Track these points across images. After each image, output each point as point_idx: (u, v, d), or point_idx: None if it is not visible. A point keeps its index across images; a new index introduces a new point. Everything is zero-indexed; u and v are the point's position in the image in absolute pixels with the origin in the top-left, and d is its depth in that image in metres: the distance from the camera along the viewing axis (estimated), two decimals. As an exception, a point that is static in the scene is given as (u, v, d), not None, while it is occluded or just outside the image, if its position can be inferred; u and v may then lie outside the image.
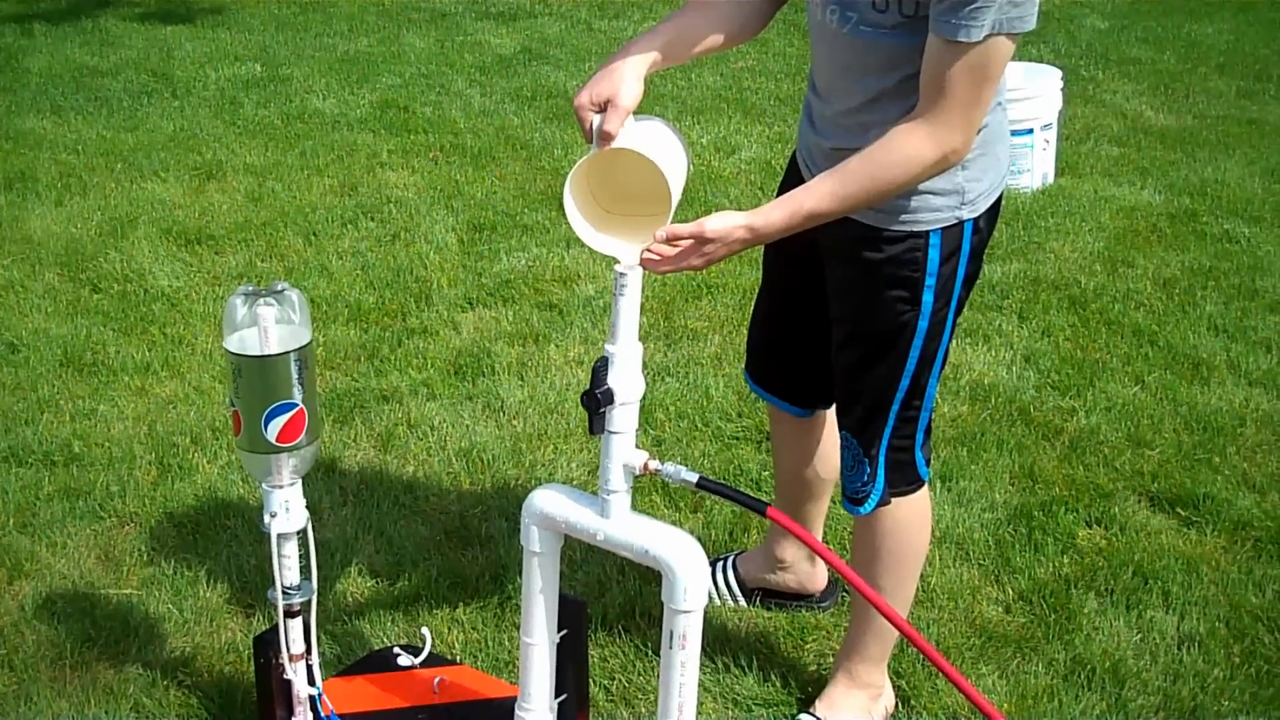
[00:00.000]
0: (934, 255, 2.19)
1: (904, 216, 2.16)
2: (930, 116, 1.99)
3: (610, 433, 2.02)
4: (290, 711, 2.31)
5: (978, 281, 2.34)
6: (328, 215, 5.10)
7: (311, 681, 2.31)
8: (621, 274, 2.00)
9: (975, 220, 2.20)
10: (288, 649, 2.26)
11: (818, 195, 2.06)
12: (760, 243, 2.13)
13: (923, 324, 2.23)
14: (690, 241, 2.03)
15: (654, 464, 2.04)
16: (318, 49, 7.86)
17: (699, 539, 2.02)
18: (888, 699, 2.58)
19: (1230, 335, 4.15)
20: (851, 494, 2.41)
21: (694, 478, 2.02)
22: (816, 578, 2.87)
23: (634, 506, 2.09)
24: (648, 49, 2.12)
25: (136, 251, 4.75)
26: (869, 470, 2.36)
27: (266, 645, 2.29)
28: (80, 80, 7.12)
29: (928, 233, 2.17)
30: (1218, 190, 5.44)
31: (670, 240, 2.02)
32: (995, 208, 2.25)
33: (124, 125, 6.33)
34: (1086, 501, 3.25)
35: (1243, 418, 3.66)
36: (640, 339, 2.01)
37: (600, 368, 2.00)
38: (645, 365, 2.06)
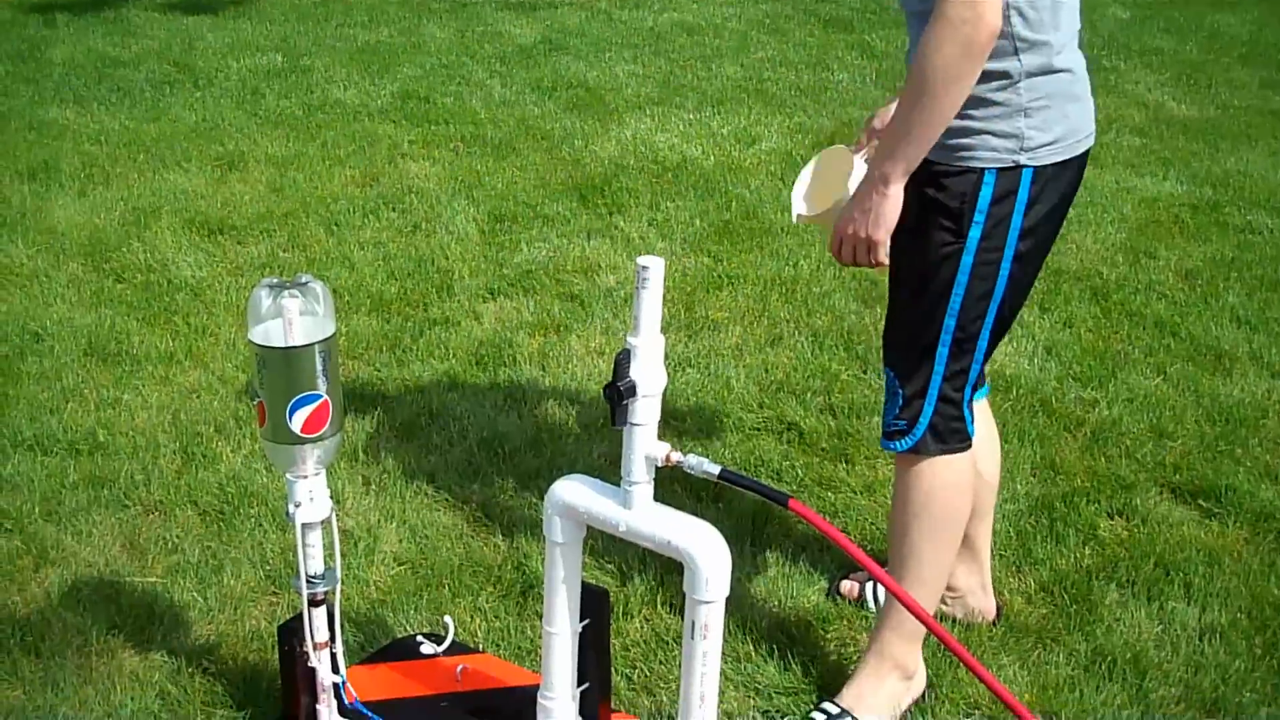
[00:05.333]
0: (986, 193, 2.22)
1: (962, 153, 2.21)
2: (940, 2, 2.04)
3: (632, 425, 2.03)
4: (314, 699, 2.32)
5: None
6: (349, 206, 5.11)
7: (335, 669, 2.32)
8: (644, 266, 2.00)
9: (1037, 170, 2.22)
10: (312, 637, 2.28)
11: (886, 153, 2.17)
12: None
13: (967, 259, 2.25)
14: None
15: (676, 455, 2.04)
16: (339, 39, 7.87)
17: (720, 529, 2.02)
18: (918, 685, 2.56)
19: (1253, 326, 4.14)
20: (885, 427, 2.42)
21: (716, 469, 2.02)
22: (987, 610, 2.79)
23: (655, 496, 2.10)
24: None
25: (159, 242, 4.77)
26: (901, 404, 2.37)
27: (290, 633, 2.31)
28: (102, 71, 7.15)
29: (983, 170, 2.21)
30: (1240, 181, 5.42)
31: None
32: (1068, 172, 2.27)
33: (146, 116, 6.36)
34: (1108, 493, 3.25)
35: (1265, 409, 3.65)
36: (661, 330, 2.02)
37: (622, 360, 2.01)
38: (666, 356, 2.07)
